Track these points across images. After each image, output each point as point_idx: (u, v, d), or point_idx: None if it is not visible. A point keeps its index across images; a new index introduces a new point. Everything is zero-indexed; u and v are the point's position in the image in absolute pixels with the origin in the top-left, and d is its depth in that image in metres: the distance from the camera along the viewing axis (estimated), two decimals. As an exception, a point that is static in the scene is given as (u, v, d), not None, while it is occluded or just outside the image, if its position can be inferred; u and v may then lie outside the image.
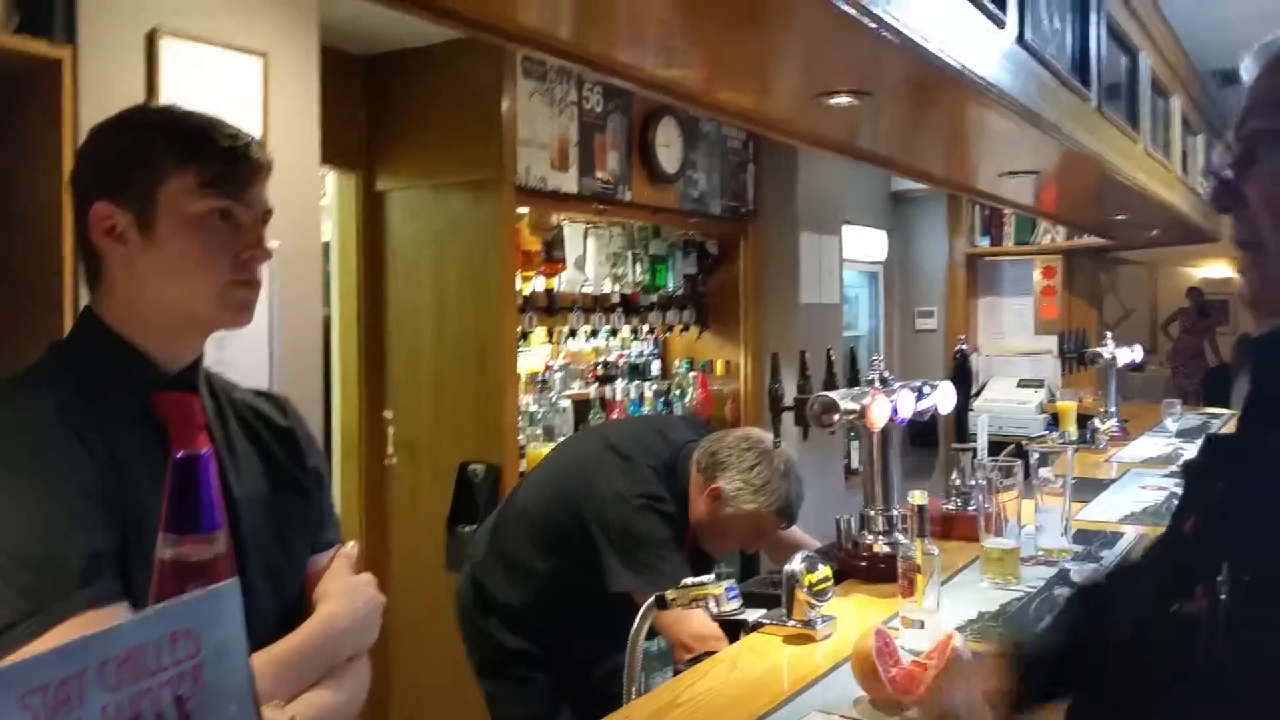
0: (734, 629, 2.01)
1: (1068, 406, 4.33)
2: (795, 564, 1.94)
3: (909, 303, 7.48)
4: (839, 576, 2.17)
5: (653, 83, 2.34)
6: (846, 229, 5.93)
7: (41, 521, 1.10)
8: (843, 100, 2.41)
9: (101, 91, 2.40)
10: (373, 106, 4.01)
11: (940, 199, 7.15)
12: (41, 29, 2.33)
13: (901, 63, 2.08)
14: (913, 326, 7.47)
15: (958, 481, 2.70)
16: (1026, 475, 2.38)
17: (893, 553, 2.21)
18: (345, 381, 4.04)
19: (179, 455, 0.79)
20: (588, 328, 4.54)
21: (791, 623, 1.94)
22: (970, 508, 2.60)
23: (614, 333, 4.93)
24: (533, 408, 4.22)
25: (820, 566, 1.96)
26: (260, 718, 0.80)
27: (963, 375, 2.98)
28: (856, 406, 2.26)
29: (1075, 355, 4.60)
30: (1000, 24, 2.33)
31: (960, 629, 1.89)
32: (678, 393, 5.02)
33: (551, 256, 4.13)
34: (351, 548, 1.45)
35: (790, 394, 2.28)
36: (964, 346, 3.30)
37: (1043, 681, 1.19)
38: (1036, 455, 2.45)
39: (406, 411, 4.00)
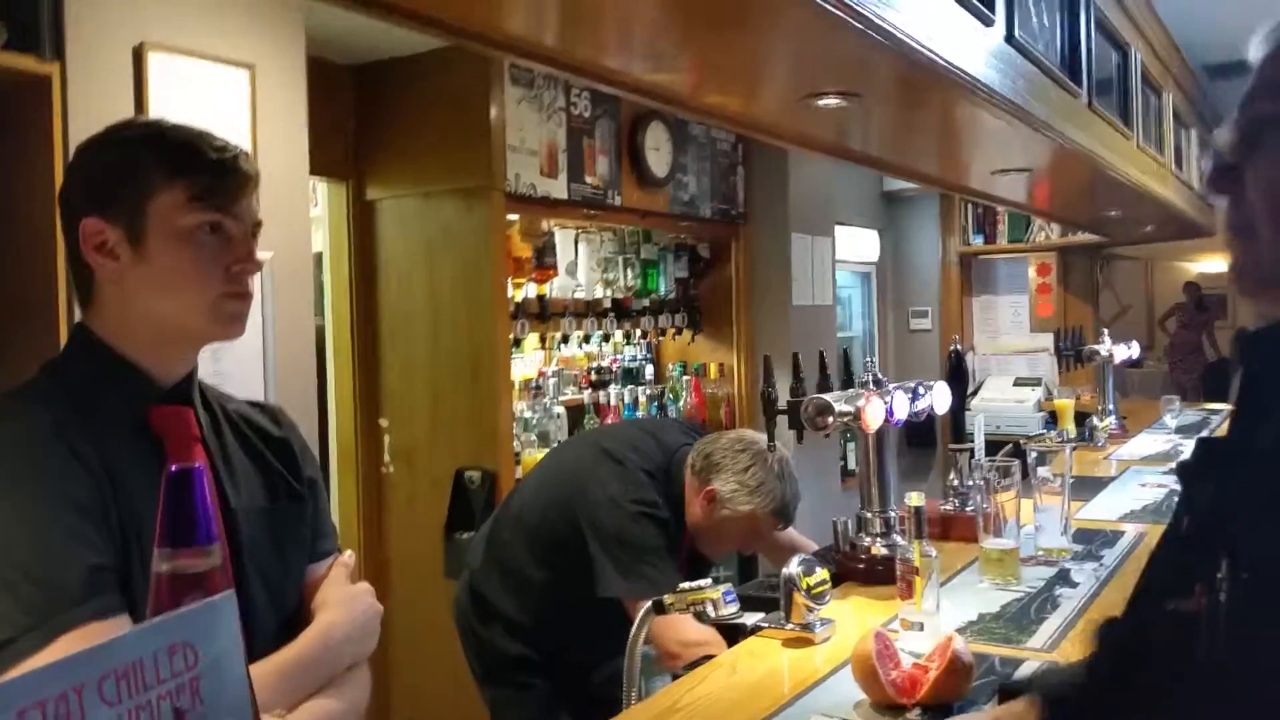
0: (732, 633, 2.00)
1: (1065, 404, 4.32)
2: (793, 567, 1.93)
3: (903, 303, 7.48)
4: (837, 579, 2.16)
5: (640, 87, 2.33)
6: (838, 230, 5.93)
7: (41, 537, 1.11)
8: (831, 102, 2.41)
9: (90, 106, 2.40)
10: (361, 116, 4.02)
11: (933, 198, 7.15)
12: (30, 45, 2.33)
13: (889, 63, 2.07)
14: (907, 327, 7.47)
15: (955, 482, 2.69)
16: (1025, 475, 2.37)
17: (891, 555, 2.21)
18: (340, 391, 4.06)
19: (172, 469, 0.80)
20: (580, 333, 4.53)
21: (790, 626, 1.93)
22: (968, 508, 2.60)
23: (606, 338, 4.93)
24: (527, 414, 4.22)
25: (818, 569, 1.95)
26: (261, 728, 0.81)
27: (958, 375, 2.97)
28: (851, 408, 2.25)
29: (1072, 353, 4.59)
30: (988, 22, 2.32)
31: (960, 630, 1.88)
32: (671, 397, 5.02)
33: (543, 263, 4.13)
34: (349, 556, 1.47)
35: (784, 397, 2.27)
36: (959, 346, 3.29)
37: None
38: (1034, 454, 2.44)
39: (402, 420, 4.01)
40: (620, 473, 2.45)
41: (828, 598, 1.96)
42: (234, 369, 2.65)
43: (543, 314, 4.20)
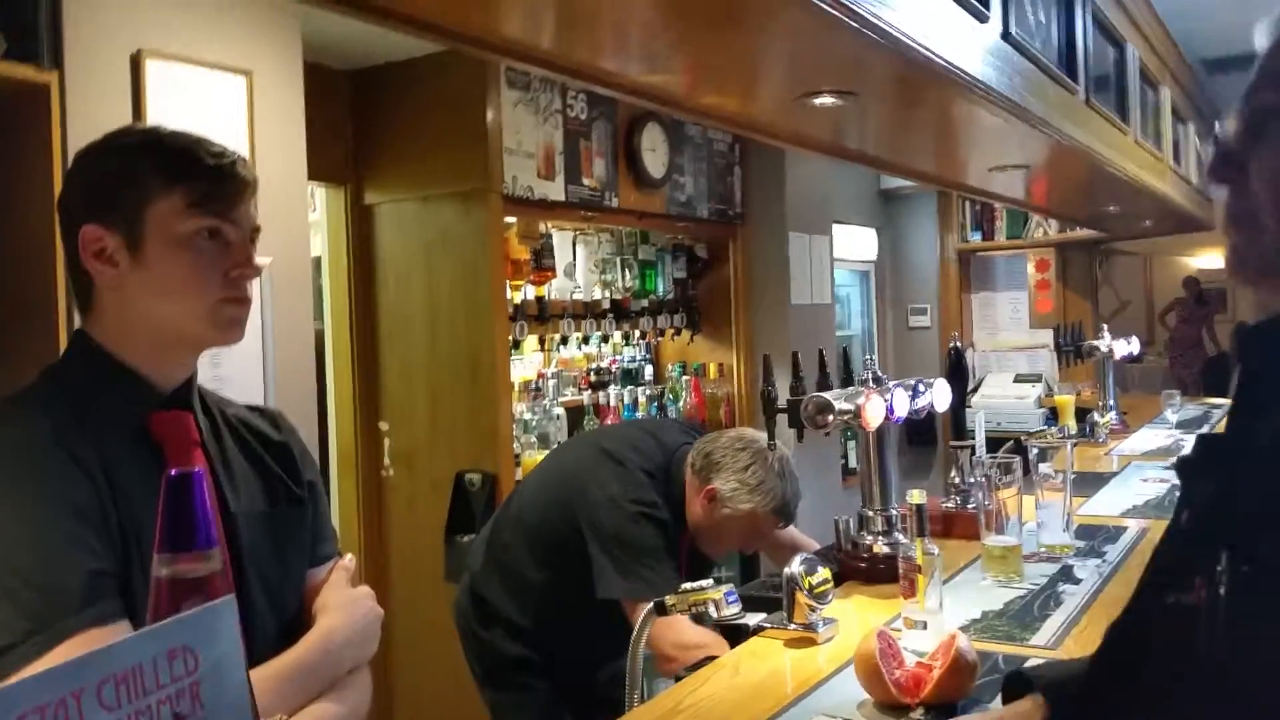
0: (735, 633, 2.00)
1: (1066, 400, 4.32)
2: (795, 567, 1.93)
3: (902, 300, 7.48)
4: (838, 578, 2.16)
5: (637, 89, 2.33)
6: (836, 228, 5.93)
7: (41, 542, 1.11)
8: (827, 100, 2.41)
9: (89, 114, 2.41)
10: (358, 121, 4.03)
11: (930, 195, 7.15)
12: (28, 54, 2.35)
13: (885, 61, 2.07)
14: (906, 324, 7.47)
15: (956, 479, 2.69)
16: (1026, 471, 2.37)
17: (893, 553, 2.20)
18: (340, 394, 4.06)
19: (172, 473, 0.80)
20: (579, 335, 4.53)
21: (793, 626, 1.93)
22: (970, 506, 2.59)
23: (605, 339, 4.93)
24: (527, 415, 4.22)
25: (820, 569, 1.95)
26: (261, 732, 0.81)
27: (958, 372, 2.97)
28: (851, 406, 2.25)
29: (1072, 348, 4.58)
30: (984, 19, 2.32)
31: (964, 629, 1.88)
32: (671, 397, 5.02)
33: (541, 265, 4.13)
34: (349, 560, 1.47)
35: (784, 396, 2.26)
36: (958, 343, 3.29)
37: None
38: (1036, 451, 2.43)
39: (402, 423, 4.01)
40: (620, 473, 2.45)
41: (830, 597, 1.95)
42: (234, 374, 2.65)
43: (541, 316, 4.20)
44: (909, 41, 1.93)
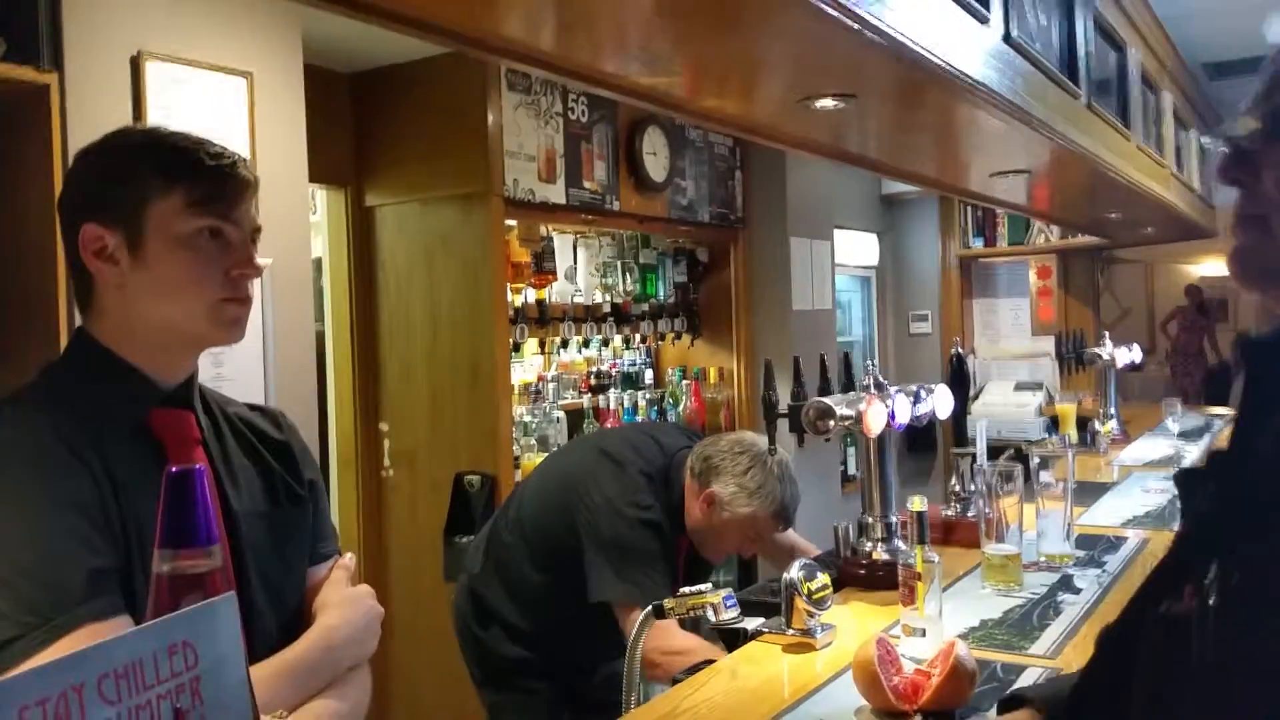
0: (733, 638, 1.99)
1: (1067, 409, 4.31)
2: (794, 572, 1.92)
3: (903, 307, 7.46)
4: (837, 584, 2.15)
5: (637, 91, 2.32)
6: (837, 233, 5.92)
7: (42, 537, 1.11)
8: (828, 103, 2.40)
9: (89, 115, 2.42)
10: (359, 123, 4.04)
11: (932, 201, 7.14)
12: (28, 56, 2.35)
13: (886, 63, 2.06)
14: (907, 330, 7.45)
15: (957, 487, 2.68)
16: (1027, 480, 2.36)
17: (892, 560, 2.20)
18: (340, 395, 4.07)
19: (172, 470, 0.80)
20: (579, 338, 4.52)
21: (791, 631, 1.92)
22: (970, 513, 2.58)
23: (606, 342, 4.92)
24: (527, 418, 4.22)
25: (819, 574, 1.94)
26: (260, 728, 0.81)
27: (960, 378, 2.95)
28: (852, 412, 2.24)
29: (1073, 356, 4.57)
30: (985, 21, 2.31)
31: (963, 636, 1.87)
32: (671, 401, 5.01)
33: (541, 268, 4.13)
34: (349, 559, 1.49)
35: (785, 401, 2.26)
36: (960, 349, 3.27)
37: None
38: (1037, 459, 2.42)
39: (402, 424, 4.02)
40: (618, 474, 2.44)
41: (829, 603, 1.95)
42: (235, 373, 2.65)
43: (542, 319, 4.20)
44: (909, 43, 1.92)
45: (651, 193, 4.55)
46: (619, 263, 4.74)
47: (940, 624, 1.85)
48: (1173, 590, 0.89)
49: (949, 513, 2.65)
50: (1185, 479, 0.96)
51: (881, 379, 2.37)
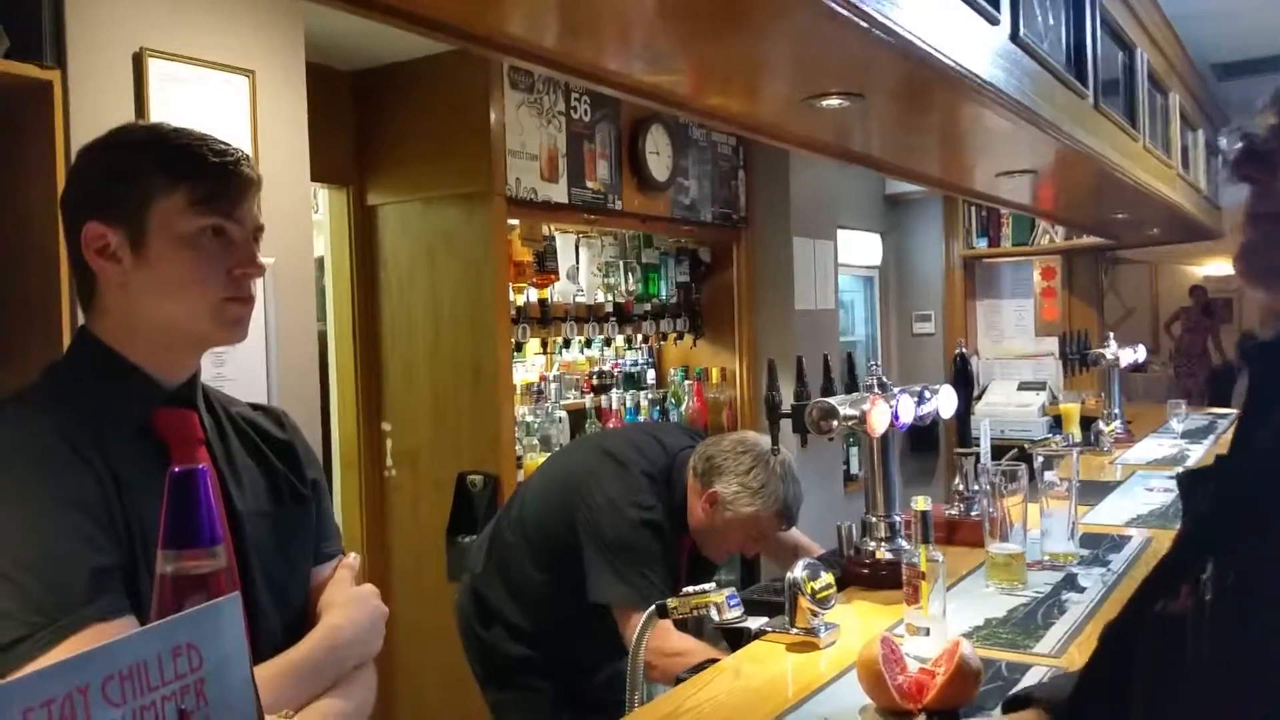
0: (736, 637, 1.98)
1: (1071, 409, 4.29)
2: (797, 571, 1.91)
3: (906, 307, 7.45)
4: (841, 584, 2.14)
5: (641, 89, 2.31)
6: (840, 233, 5.92)
7: (47, 537, 1.11)
8: (834, 102, 2.39)
9: (91, 113, 2.41)
10: (362, 122, 4.04)
11: (936, 201, 7.13)
12: (31, 53, 2.35)
13: (893, 62, 2.05)
14: (910, 331, 7.44)
15: (960, 486, 2.67)
16: (1031, 479, 2.35)
17: (896, 559, 2.19)
18: (343, 395, 4.07)
19: (176, 470, 0.80)
20: (581, 338, 4.52)
21: (794, 631, 1.91)
22: (973, 513, 2.58)
23: (608, 342, 4.92)
24: (529, 418, 4.22)
25: (823, 574, 1.94)
26: (265, 729, 0.81)
27: (964, 378, 2.95)
28: (856, 412, 2.23)
29: (1077, 357, 4.56)
30: (994, 21, 2.30)
31: (967, 636, 1.86)
32: (673, 401, 5.00)
33: (544, 267, 4.13)
34: (353, 559, 1.49)
35: (787, 401, 2.25)
36: (964, 349, 3.27)
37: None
38: (1041, 459, 2.42)
39: (404, 423, 4.02)
40: (620, 474, 2.44)
41: (832, 602, 1.94)
42: (237, 373, 2.64)
43: (544, 318, 4.20)
44: (917, 42, 1.91)
45: (654, 192, 4.54)
46: (621, 262, 4.74)
47: (944, 623, 1.84)
48: (1170, 589, 0.89)
49: (952, 512, 2.65)
50: (1187, 480, 0.97)
51: (885, 379, 2.37)
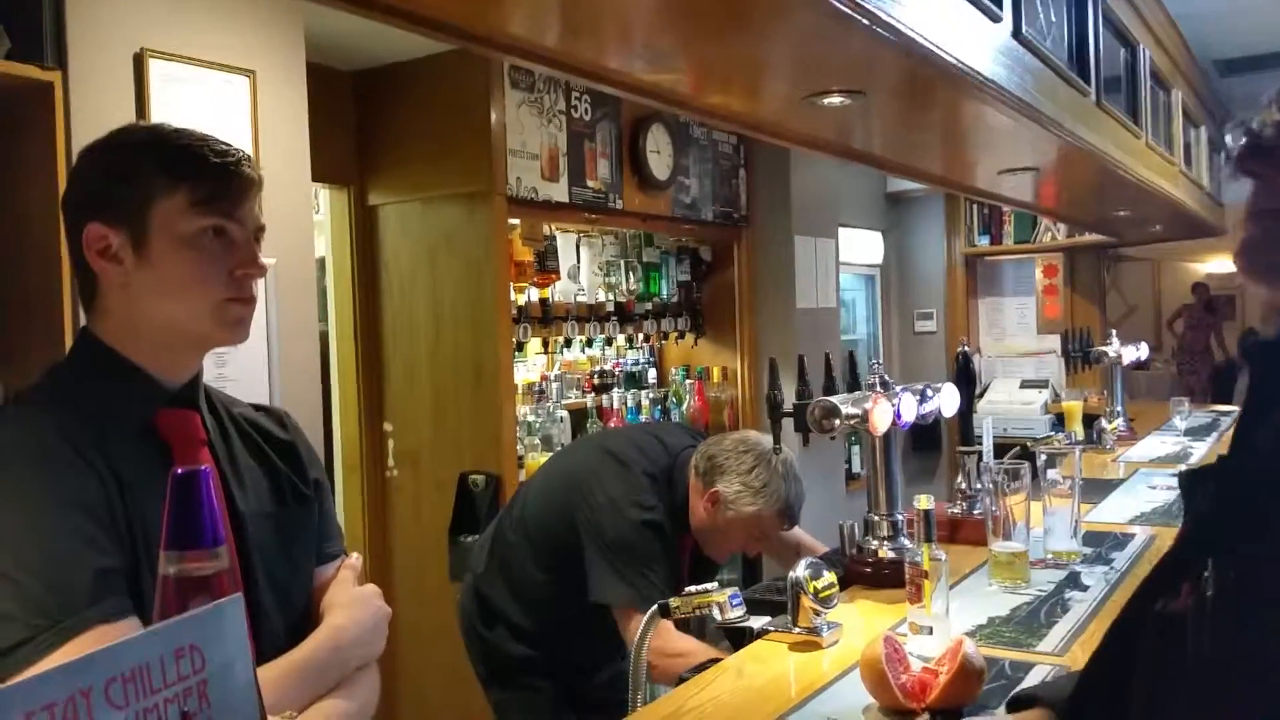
0: (738, 636, 1.98)
1: (1073, 407, 4.29)
2: (800, 570, 1.91)
3: (908, 305, 7.44)
4: (844, 583, 2.14)
5: (642, 88, 2.31)
6: (842, 231, 5.91)
7: (49, 539, 1.11)
8: (835, 100, 2.39)
9: (92, 113, 2.42)
10: (362, 122, 4.04)
11: (937, 199, 7.12)
12: (32, 54, 2.35)
13: (895, 60, 2.05)
14: (912, 329, 7.43)
15: (963, 485, 2.67)
16: (1033, 477, 2.35)
17: (898, 558, 2.19)
18: (344, 395, 4.07)
19: (178, 471, 0.80)
20: (582, 337, 4.51)
21: (797, 630, 1.91)
22: (976, 511, 2.57)
23: (609, 342, 4.91)
24: (530, 418, 4.22)
25: (825, 573, 1.93)
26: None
27: (966, 377, 2.94)
28: (858, 411, 2.23)
29: (1080, 354, 4.55)
30: (995, 18, 2.30)
31: (970, 634, 1.86)
32: (674, 400, 5.00)
33: (544, 267, 4.13)
34: (356, 559, 1.48)
35: (789, 400, 2.25)
36: (966, 348, 3.26)
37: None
38: (1043, 457, 2.41)
39: (406, 424, 4.02)
40: (622, 474, 2.44)
41: (835, 601, 1.94)
42: (239, 374, 2.64)
43: (545, 318, 4.20)
44: (919, 39, 1.90)
45: (655, 191, 4.54)
46: (622, 261, 4.74)
47: (947, 622, 1.84)
48: (1171, 589, 0.89)
49: (955, 510, 2.64)
50: (1188, 479, 0.97)
51: (886, 377, 2.36)
